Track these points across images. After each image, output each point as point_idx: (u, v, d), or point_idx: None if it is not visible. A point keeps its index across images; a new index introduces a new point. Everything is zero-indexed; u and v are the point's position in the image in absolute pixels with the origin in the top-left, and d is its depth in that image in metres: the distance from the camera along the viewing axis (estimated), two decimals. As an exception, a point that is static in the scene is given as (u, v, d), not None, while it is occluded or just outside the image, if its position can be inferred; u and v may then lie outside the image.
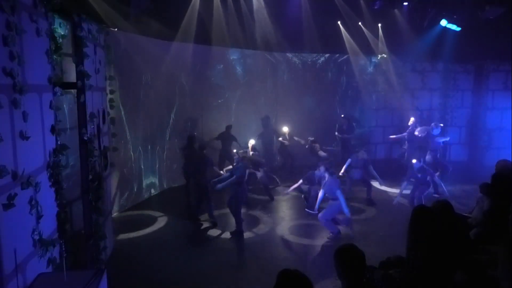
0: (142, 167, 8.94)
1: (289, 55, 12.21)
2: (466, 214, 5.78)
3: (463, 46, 11.42)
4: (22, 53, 3.28)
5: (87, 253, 5.16)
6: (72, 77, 5.12)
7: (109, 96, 6.80)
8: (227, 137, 10.18)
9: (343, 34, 12.04)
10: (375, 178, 8.79)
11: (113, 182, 7.46)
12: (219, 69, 10.95)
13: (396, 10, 11.42)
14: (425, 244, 3.46)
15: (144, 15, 8.73)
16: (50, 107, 3.91)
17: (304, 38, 11.52)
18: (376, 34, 12.12)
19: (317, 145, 9.83)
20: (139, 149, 8.78)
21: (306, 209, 7.94)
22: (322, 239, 6.83)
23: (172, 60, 9.70)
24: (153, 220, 7.87)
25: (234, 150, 8.65)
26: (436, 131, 9.73)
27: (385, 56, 12.41)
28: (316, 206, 7.02)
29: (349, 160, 8.84)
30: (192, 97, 10.28)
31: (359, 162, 8.68)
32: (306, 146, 10.09)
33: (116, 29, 7.56)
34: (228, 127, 10.26)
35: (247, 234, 7.05)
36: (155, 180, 9.50)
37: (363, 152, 8.83)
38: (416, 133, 10.35)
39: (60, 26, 4.73)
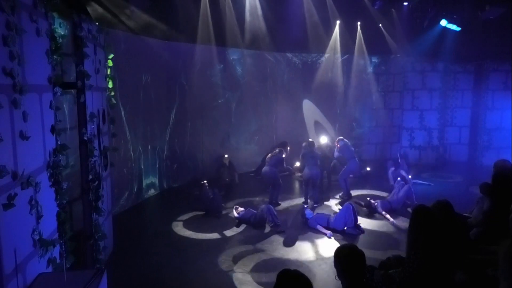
0: (142, 167, 8.95)
1: (289, 55, 12.20)
2: (466, 214, 5.78)
3: (463, 46, 11.40)
4: (22, 53, 3.27)
5: (87, 253, 5.15)
6: (72, 77, 5.12)
7: (109, 96, 6.80)
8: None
9: (343, 34, 12.04)
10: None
11: (113, 182, 7.46)
12: (219, 69, 10.95)
13: (395, 10, 11.42)
14: (425, 244, 3.46)
15: (144, 15, 8.72)
16: (50, 107, 3.90)
17: (304, 38, 11.52)
18: (375, 34, 12.10)
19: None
20: (139, 149, 8.78)
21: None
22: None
23: (172, 60, 9.70)
24: (153, 220, 7.88)
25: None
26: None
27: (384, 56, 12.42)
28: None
29: None
30: (192, 97, 10.28)
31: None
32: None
33: (116, 29, 7.55)
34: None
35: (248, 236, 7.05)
36: (155, 180, 9.50)
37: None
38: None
39: (60, 26, 4.72)
